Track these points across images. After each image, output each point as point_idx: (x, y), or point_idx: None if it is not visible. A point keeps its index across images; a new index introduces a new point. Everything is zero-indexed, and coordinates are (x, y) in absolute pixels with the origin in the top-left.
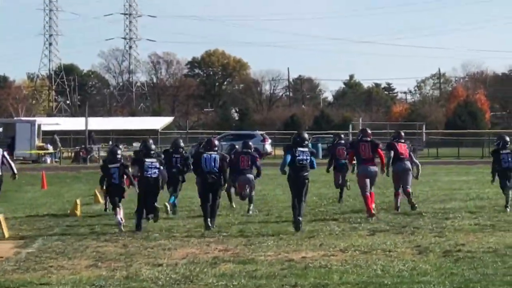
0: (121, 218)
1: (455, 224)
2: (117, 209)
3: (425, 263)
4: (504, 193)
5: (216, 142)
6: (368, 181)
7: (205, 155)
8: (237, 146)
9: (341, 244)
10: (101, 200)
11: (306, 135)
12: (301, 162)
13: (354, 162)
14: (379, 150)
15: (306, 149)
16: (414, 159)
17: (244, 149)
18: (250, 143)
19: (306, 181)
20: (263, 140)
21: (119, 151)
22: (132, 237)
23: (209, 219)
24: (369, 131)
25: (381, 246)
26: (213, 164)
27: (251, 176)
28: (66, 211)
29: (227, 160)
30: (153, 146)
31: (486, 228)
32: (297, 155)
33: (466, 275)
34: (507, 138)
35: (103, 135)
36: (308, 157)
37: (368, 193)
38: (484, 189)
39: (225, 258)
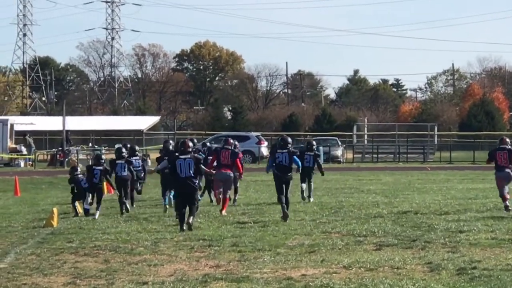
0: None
1: (470, 238)
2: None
3: (437, 282)
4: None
5: (191, 144)
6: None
7: (179, 160)
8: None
9: (344, 260)
10: (80, 210)
11: (289, 139)
12: (280, 162)
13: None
14: (238, 159)
15: (285, 151)
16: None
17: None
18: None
19: (289, 180)
20: (259, 142)
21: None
22: (115, 251)
23: (185, 224)
24: (231, 140)
25: (389, 262)
26: (187, 169)
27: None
28: (41, 221)
29: (201, 161)
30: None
31: (505, 242)
32: (276, 156)
33: None
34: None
35: (82, 136)
36: (287, 159)
37: (227, 196)
38: None
39: (217, 276)
